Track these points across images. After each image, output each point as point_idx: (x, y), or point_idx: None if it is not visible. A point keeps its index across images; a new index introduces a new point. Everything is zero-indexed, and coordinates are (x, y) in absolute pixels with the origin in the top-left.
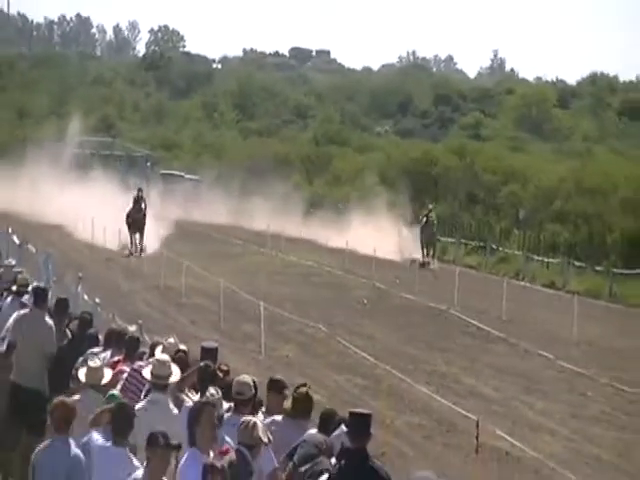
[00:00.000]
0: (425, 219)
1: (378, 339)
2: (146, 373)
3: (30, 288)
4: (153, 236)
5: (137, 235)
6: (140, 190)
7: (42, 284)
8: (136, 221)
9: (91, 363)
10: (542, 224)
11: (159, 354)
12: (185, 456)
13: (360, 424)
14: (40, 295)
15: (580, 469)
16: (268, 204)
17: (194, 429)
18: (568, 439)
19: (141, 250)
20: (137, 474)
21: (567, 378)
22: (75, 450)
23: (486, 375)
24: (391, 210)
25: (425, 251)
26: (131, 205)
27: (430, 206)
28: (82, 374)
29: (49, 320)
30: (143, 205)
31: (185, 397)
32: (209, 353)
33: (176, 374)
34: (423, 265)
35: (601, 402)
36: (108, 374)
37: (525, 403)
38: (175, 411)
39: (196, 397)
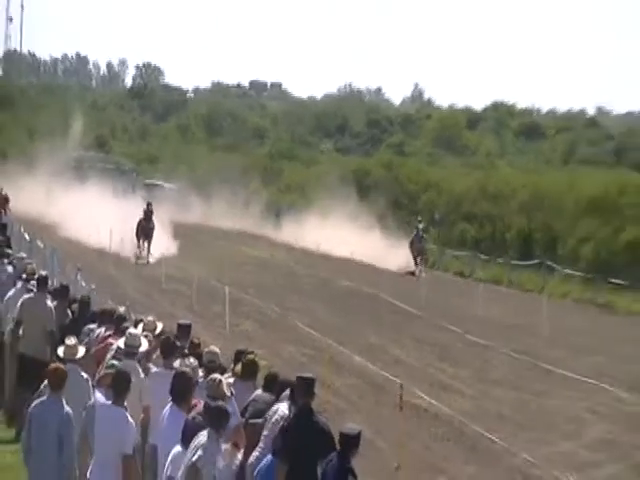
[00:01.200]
0: (415, 231)
1: (321, 318)
2: (120, 343)
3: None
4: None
5: (145, 243)
6: (150, 204)
7: (44, 273)
8: (145, 230)
9: (67, 341)
10: (454, 224)
11: (132, 329)
12: (168, 410)
13: (306, 385)
14: (42, 282)
15: (485, 422)
16: (232, 207)
17: (174, 389)
18: (475, 398)
19: (148, 257)
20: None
21: (473, 349)
22: (66, 408)
23: (408, 346)
24: (336, 213)
25: (419, 261)
26: (142, 216)
27: (419, 218)
28: (60, 351)
29: (49, 302)
30: (153, 217)
31: (151, 365)
32: (184, 329)
33: (144, 345)
34: (413, 274)
35: (501, 368)
36: (82, 350)
37: (439, 369)
38: (142, 375)
39: (161, 367)
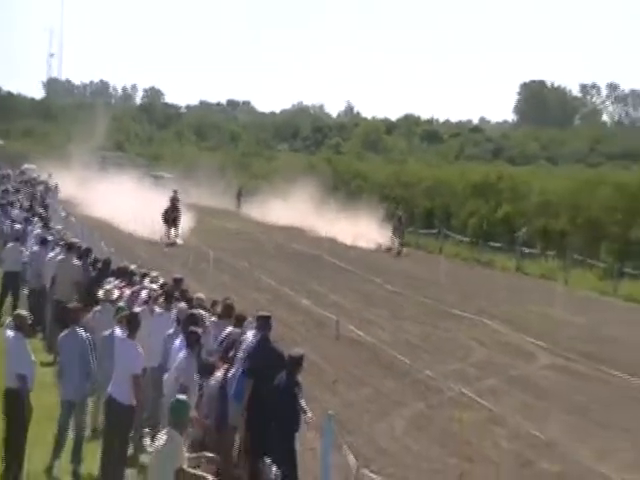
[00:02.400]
0: (398, 217)
1: (279, 272)
2: (144, 294)
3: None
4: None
5: (172, 229)
6: (175, 191)
7: (71, 240)
8: (172, 216)
9: (107, 286)
10: (376, 204)
11: (149, 284)
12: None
13: (265, 321)
14: (71, 247)
15: (399, 348)
16: (214, 191)
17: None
18: (391, 331)
19: (175, 240)
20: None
21: (391, 295)
22: (84, 335)
23: (343, 294)
24: (291, 195)
25: (397, 242)
26: (169, 204)
27: (400, 210)
28: (101, 293)
29: (76, 262)
30: (178, 204)
31: (156, 307)
32: (178, 282)
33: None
34: (389, 250)
35: (411, 309)
36: (116, 293)
37: (365, 310)
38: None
39: (162, 309)
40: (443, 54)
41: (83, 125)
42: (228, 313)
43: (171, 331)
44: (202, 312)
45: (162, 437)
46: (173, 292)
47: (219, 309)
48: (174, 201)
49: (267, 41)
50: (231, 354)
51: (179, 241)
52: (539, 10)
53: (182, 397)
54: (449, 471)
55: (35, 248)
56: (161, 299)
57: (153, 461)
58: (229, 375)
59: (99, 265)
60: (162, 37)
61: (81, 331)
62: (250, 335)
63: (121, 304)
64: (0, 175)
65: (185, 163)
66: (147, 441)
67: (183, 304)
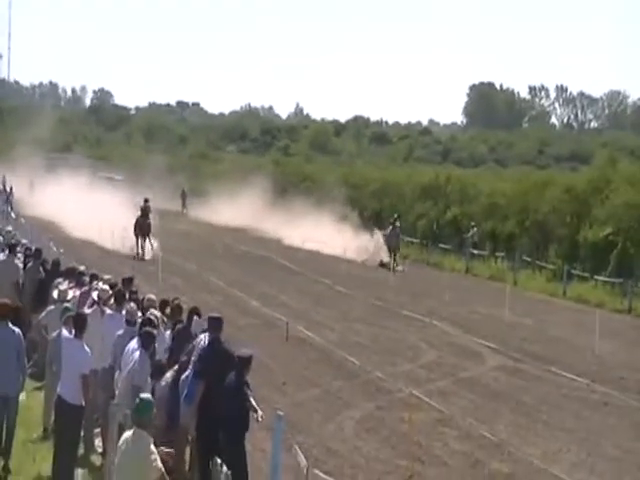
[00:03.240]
0: (391, 227)
1: (227, 273)
2: (94, 295)
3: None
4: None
5: (141, 239)
6: (147, 200)
7: (13, 241)
8: (143, 227)
9: (61, 287)
10: (327, 205)
11: (101, 285)
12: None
13: (216, 322)
14: (12, 247)
15: (348, 349)
16: (162, 193)
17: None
18: (341, 332)
19: (143, 253)
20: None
21: (339, 296)
22: (17, 330)
23: (292, 294)
24: (239, 197)
25: (391, 254)
26: (139, 213)
27: (395, 216)
28: (55, 293)
29: (18, 262)
30: (149, 214)
31: (106, 309)
32: (128, 282)
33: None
34: (383, 265)
35: (360, 310)
36: (71, 294)
37: (315, 311)
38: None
39: (114, 310)
40: (393, 56)
41: (31, 127)
42: (177, 313)
43: (121, 332)
44: (156, 313)
45: (129, 437)
46: (124, 293)
47: (168, 310)
48: (145, 210)
49: (216, 42)
50: (184, 358)
51: (147, 256)
52: (488, 12)
53: (146, 396)
54: (399, 472)
55: None
56: (111, 300)
57: (122, 460)
58: (183, 376)
59: (48, 266)
60: (112, 37)
61: (13, 327)
62: (202, 337)
63: (67, 305)
64: None
65: (133, 165)
66: (98, 442)
67: (133, 304)
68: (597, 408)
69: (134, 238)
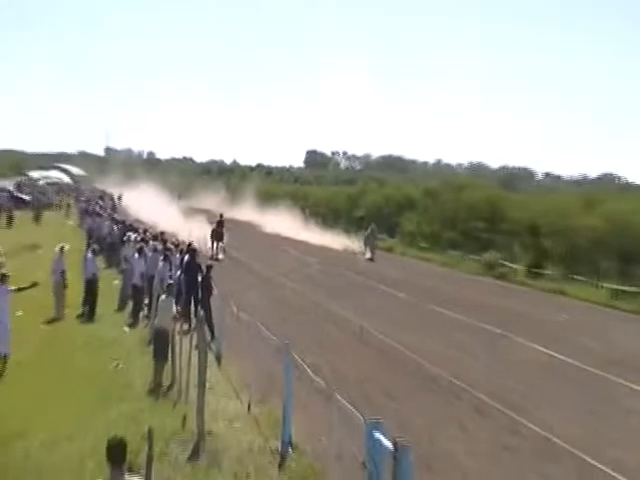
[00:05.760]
0: (370, 231)
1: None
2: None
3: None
4: None
5: (218, 243)
6: (222, 215)
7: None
8: (218, 234)
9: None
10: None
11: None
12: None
13: (193, 250)
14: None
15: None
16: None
17: None
18: (299, 291)
19: (217, 255)
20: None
21: (298, 257)
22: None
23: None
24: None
25: (369, 250)
26: (215, 224)
27: (372, 224)
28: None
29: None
30: (223, 225)
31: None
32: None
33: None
34: (372, 260)
35: (315, 271)
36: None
37: (283, 276)
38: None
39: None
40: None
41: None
42: (186, 248)
43: (158, 256)
44: (170, 246)
45: (162, 298)
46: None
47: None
48: (220, 222)
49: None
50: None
51: (222, 256)
52: None
53: (170, 282)
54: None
55: None
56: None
57: (160, 306)
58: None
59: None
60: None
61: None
62: (187, 256)
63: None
64: None
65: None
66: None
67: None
68: None
69: (210, 242)
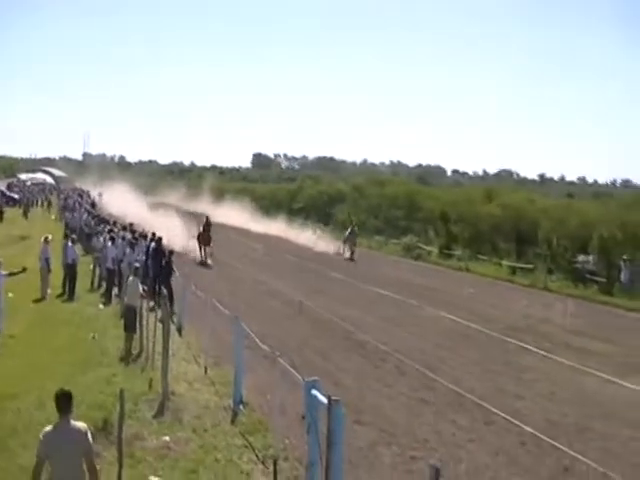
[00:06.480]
0: (350, 229)
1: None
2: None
3: None
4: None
5: (205, 248)
6: (208, 217)
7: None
8: (205, 239)
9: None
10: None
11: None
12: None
13: (159, 239)
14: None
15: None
16: None
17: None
18: (248, 272)
19: (206, 258)
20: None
21: (246, 243)
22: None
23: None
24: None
25: (349, 249)
26: (202, 228)
27: (353, 220)
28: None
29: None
30: (210, 228)
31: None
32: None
33: None
34: (342, 255)
35: (260, 255)
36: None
37: (235, 259)
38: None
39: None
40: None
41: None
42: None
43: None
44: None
45: (131, 279)
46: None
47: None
48: (206, 226)
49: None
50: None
51: (210, 260)
52: None
53: (136, 265)
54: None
55: None
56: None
57: (129, 283)
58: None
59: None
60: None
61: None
62: (153, 243)
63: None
64: None
65: None
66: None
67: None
68: None
69: (197, 247)
